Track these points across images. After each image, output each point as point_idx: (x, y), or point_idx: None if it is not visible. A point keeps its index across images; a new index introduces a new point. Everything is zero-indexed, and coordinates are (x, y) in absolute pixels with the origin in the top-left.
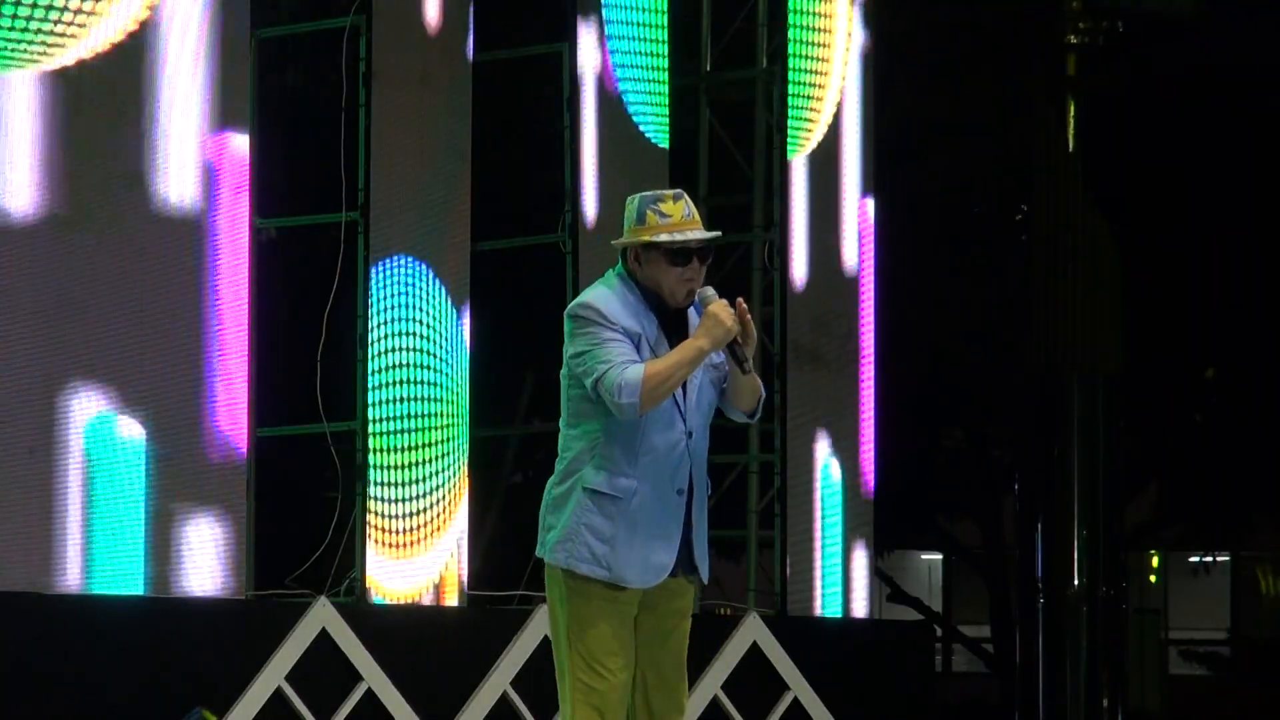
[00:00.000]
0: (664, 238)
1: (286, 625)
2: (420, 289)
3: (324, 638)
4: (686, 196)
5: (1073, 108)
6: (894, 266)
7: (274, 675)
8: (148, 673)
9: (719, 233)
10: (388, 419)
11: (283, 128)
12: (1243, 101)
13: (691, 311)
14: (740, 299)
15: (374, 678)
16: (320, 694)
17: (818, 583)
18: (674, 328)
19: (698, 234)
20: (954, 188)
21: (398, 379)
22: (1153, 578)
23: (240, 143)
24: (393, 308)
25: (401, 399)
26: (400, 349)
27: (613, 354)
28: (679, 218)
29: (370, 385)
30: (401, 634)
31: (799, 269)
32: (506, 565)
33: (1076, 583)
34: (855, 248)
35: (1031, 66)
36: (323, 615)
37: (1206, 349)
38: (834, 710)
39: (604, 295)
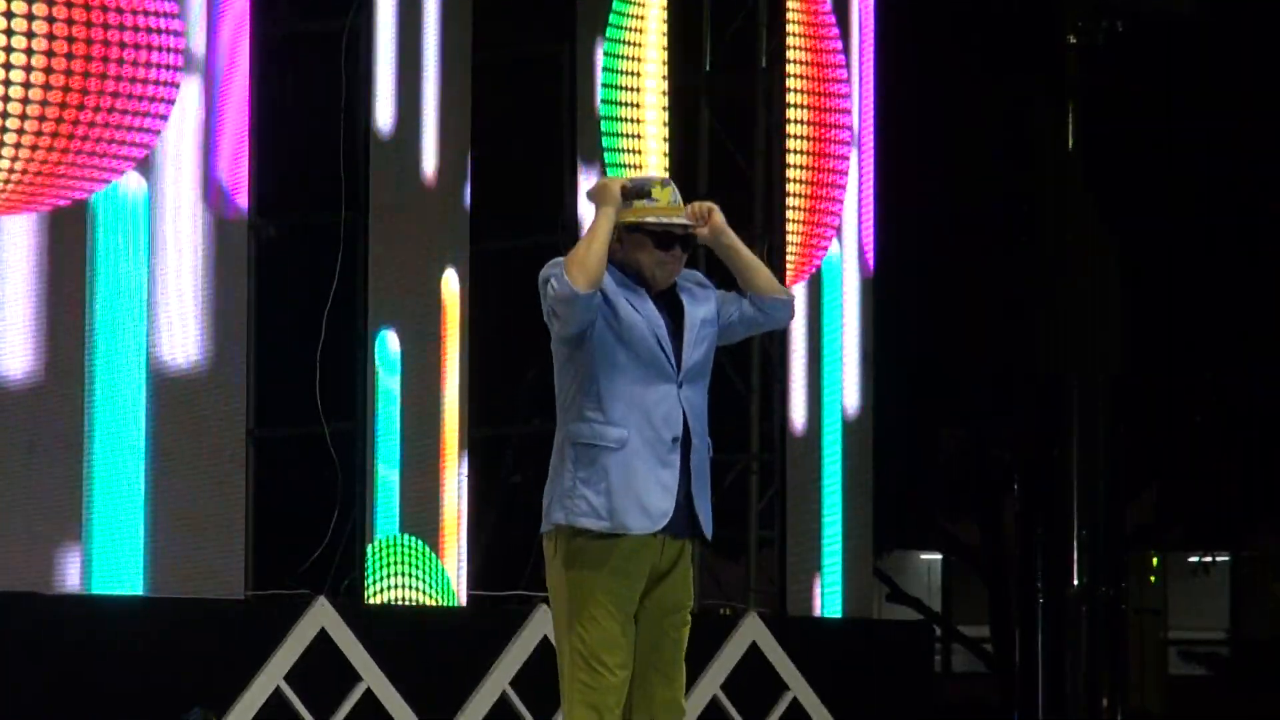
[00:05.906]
0: (651, 219)
1: (286, 625)
2: None
3: (323, 638)
4: (674, 185)
5: (1072, 108)
6: (893, 265)
7: (273, 675)
8: (148, 673)
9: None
10: None
11: (283, 127)
12: (1244, 101)
13: (682, 295)
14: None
15: (373, 678)
16: (320, 694)
17: (818, 583)
18: (662, 300)
19: (685, 220)
20: (954, 188)
21: None
22: (1152, 578)
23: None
24: None
25: None
26: None
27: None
28: (666, 203)
29: None
30: (401, 634)
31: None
32: (506, 565)
33: (1076, 583)
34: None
35: (1031, 66)
36: (322, 615)
37: (1207, 349)
38: (834, 710)
39: None
